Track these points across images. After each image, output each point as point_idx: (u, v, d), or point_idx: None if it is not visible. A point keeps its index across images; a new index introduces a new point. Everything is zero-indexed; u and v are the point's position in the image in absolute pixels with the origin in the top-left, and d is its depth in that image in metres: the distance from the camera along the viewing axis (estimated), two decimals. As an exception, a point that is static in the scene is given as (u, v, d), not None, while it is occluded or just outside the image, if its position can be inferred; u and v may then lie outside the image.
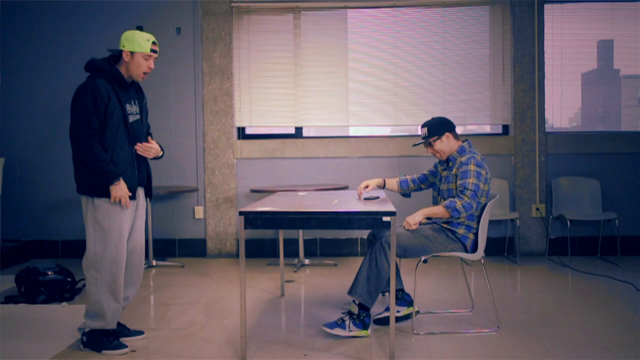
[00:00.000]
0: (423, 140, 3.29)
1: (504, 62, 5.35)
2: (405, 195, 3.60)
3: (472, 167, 3.11)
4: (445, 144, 3.24)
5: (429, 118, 3.41)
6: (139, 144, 2.90)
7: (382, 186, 3.48)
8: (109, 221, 2.81)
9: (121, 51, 2.85)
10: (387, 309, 3.20)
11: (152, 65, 2.89)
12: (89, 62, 2.86)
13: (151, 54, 2.85)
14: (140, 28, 5.36)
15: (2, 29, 5.45)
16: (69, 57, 5.41)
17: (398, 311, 3.22)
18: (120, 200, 2.79)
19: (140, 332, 3.11)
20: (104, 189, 2.79)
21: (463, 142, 3.28)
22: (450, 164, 3.27)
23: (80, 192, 2.88)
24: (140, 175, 2.95)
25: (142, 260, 3.05)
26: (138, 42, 2.82)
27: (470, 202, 3.05)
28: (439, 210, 3.13)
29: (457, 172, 3.16)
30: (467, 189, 3.07)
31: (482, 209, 3.16)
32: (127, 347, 2.89)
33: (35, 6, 5.42)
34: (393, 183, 3.49)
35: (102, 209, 2.81)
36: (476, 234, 3.19)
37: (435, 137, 3.24)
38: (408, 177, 3.54)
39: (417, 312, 3.29)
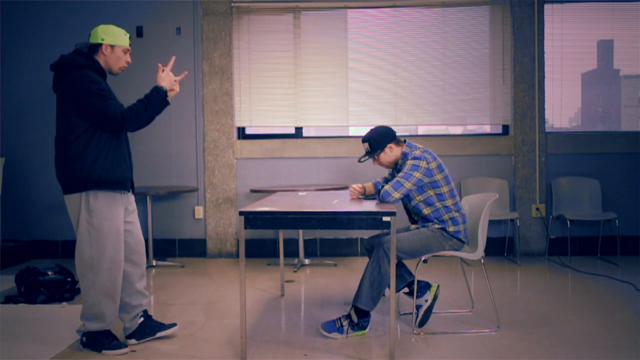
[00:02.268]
0: (367, 156, 3.31)
1: (504, 62, 5.35)
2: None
3: (408, 162, 3.14)
4: (389, 155, 3.27)
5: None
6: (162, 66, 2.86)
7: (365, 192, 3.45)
8: (106, 225, 2.74)
9: (94, 45, 2.79)
10: (419, 307, 3.22)
11: (130, 60, 2.89)
12: (65, 59, 2.76)
13: (129, 47, 2.87)
14: (140, 28, 5.36)
15: (2, 28, 5.45)
16: (69, 57, 5.41)
17: (426, 300, 3.22)
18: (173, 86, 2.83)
19: (174, 325, 3.11)
20: (101, 182, 2.71)
21: (404, 142, 3.29)
22: (399, 168, 3.30)
23: (71, 191, 2.73)
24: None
25: (144, 253, 3.03)
26: (118, 36, 2.80)
27: (388, 190, 3.06)
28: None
29: None
30: (395, 179, 3.10)
31: (452, 194, 3.18)
32: (127, 346, 2.89)
33: (35, 6, 5.43)
34: (370, 188, 3.47)
35: (98, 211, 2.73)
36: (464, 221, 3.20)
37: (379, 151, 3.26)
38: (380, 179, 3.54)
39: (438, 285, 3.30)
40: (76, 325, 3.16)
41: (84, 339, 2.88)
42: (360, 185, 3.42)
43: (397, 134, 3.35)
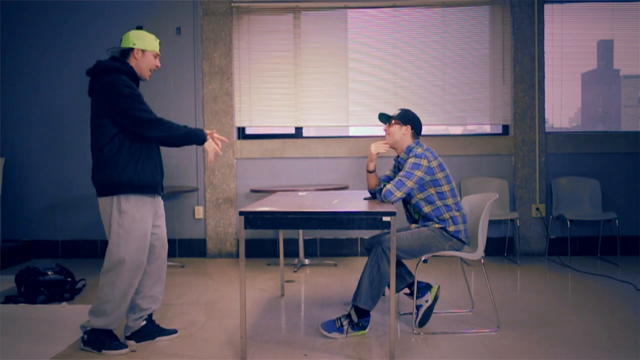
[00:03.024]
0: (390, 115, 3.33)
1: (504, 62, 5.35)
2: (373, 192, 3.52)
3: (410, 159, 3.14)
4: (399, 133, 3.27)
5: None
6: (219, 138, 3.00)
7: (373, 170, 3.38)
8: (135, 227, 2.80)
9: (125, 50, 2.87)
10: (419, 307, 3.24)
11: (159, 65, 2.98)
12: (101, 65, 2.82)
13: (159, 53, 2.95)
14: (140, 28, 5.35)
15: (2, 28, 5.45)
16: (69, 57, 5.41)
17: (427, 300, 3.23)
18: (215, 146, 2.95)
19: (174, 331, 3.13)
20: (132, 186, 2.77)
21: (414, 140, 3.30)
22: (401, 166, 3.30)
23: (105, 194, 2.80)
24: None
25: (166, 258, 3.08)
26: (149, 41, 2.89)
27: (390, 189, 3.06)
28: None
29: None
30: (396, 177, 3.11)
31: (453, 193, 3.18)
32: (127, 347, 2.89)
33: (35, 6, 5.43)
34: (376, 177, 3.43)
35: (129, 213, 2.78)
36: (464, 221, 3.20)
37: (400, 122, 3.28)
38: (382, 176, 3.53)
39: (439, 287, 3.31)
40: (76, 325, 3.16)
41: (86, 337, 2.88)
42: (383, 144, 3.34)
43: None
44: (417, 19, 5.38)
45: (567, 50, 5.35)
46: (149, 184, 2.85)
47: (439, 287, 3.29)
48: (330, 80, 5.43)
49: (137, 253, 2.82)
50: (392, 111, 3.40)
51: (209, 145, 2.93)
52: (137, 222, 2.80)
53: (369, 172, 3.36)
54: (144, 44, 2.87)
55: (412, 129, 3.29)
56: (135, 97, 2.73)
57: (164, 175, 3.01)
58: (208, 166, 5.39)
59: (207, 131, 2.98)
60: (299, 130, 5.56)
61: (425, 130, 5.57)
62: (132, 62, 2.88)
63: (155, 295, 3.02)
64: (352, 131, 5.61)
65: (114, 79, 2.75)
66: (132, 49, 2.86)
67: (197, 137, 2.88)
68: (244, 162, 5.44)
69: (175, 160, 5.40)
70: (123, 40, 2.89)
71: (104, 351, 2.84)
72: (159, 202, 3.00)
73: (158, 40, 2.95)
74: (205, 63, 5.36)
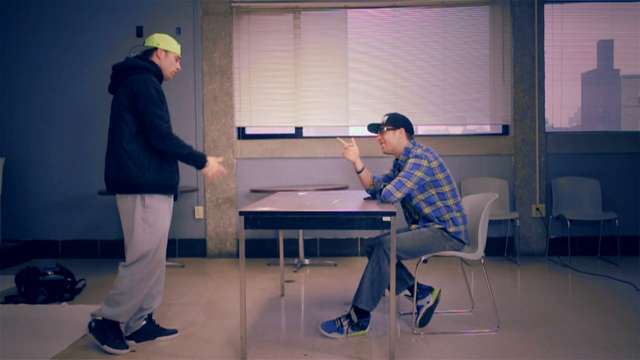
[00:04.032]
0: (380, 124, 3.34)
1: (504, 62, 5.35)
2: (372, 192, 3.53)
3: (410, 160, 3.14)
4: (395, 138, 3.28)
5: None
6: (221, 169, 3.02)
7: (361, 170, 3.41)
8: (160, 222, 2.84)
9: (149, 50, 2.94)
10: (420, 307, 3.25)
11: (180, 67, 3.07)
12: (130, 61, 2.87)
13: (180, 56, 3.04)
14: (140, 28, 5.36)
15: (2, 28, 5.45)
16: (69, 57, 5.41)
17: (428, 302, 3.25)
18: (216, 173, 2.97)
19: (174, 331, 3.13)
20: (155, 185, 2.81)
21: (411, 139, 3.32)
22: (401, 168, 3.31)
23: (128, 191, 2.81)
24: None
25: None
26: (171, 43, 2.98)
27: (390, 190, 3.06)
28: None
29: None
30: (396, 178, 3.11)
31: (454, 194, 3.18)
32: (127, 348, 2.89)
33: (35, 6, 5.43)
34: (368, 176, 3.46)
35: (154, 208, 2.82)
36: (465, 222, 3.20)
37: (391, 127, 3.28)
38: (380, 175, 3.53)
39: (440, 290, 3.32)
40: (77, 325, 3.17)
41: (93, 324, 2.88)
42: (353, 148, 3.36)
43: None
44: (417, 19, 5.38)
45: (567, 50, 5.35)
46: (171, 184, 2.90)
47: (440, 290, 3.31)
48: (330, 80, 5.43)
49: (159, 249, 2.86)
50: (393, 112, 3.40)
51: (209, 170, 2.94)
52: (160, 219, 2.85)
53: (358, 172, 3.41)
54: (167, 45, 2.96)
55: (405, 130, 3.30)
56: (159, 103, 2.78)
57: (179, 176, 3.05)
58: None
59: (214, 158, 2.98)
60: (299, 130, 5.56)
61: (425, 130, 5.64)
62: (156, 61, 2.95)
63: (155, 295, 3.02)
64: (352, 131, 5.61)
65: (145, 77, 2.80)
66: (155, 49, 2.95)
67: (197, 161, 2.89)
68: (244, 162, 5.44)
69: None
70: (147, 40, 2.96)
71: (105, 345, 2.84)
72: (172, 202, 3.03)
73: (180, 45, 3.05)
74: (205, 63, 5.36)
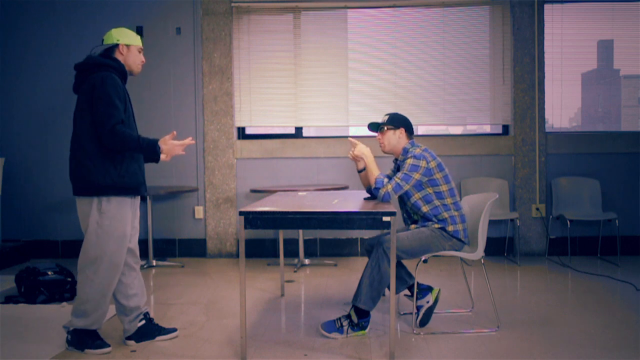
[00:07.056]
0: (380, 123, 3.34)
1: (504, 62, 5.35)
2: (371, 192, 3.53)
3: (408, 160, 3.15)
4: (395, 138, 3.29)
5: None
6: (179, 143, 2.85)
7: (362, 169, 3.36)
8: (114, 226, 2.78)
9: (110, 47, 2.86)
10: (420, 307, 3.25)
11: (144, 59, 2.99)
12: (91, 59, 2.80)
13: (142, 47, 2.96)
14: (140, 28, 5.36)
15: (2, 28, 5.45)
16: (69, 57, 5.39)
17: (428, 301, 3.25)
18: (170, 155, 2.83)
19: (174, 330, 3.12)
20: (115, 188, 2.75)
21: (410, 139, 3.32)
22: (399, 167, 3.31)
23: (85, 194, 2.76)
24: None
25: (138, 255, 3.04)
26: (131, 36, 2.91)
27: (389, 192, 3.08)
28: (371, 175, 3.20)
29: None
30: (394, 179, 3.12)
31: (452, 193, 3.19)
32: (109, 346, 2.88)
33: (35, 6, 5.42)
34: (365, 174, 3.42)
35: (110, 213, 2.76)
36: (463, 221, 3.20)
37: (391, 127, 3.29)
38: (381, 175, 3.52)
39: (439, 290, 3.33)
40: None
41: (69, 337, 2.88)
42: (361, 147, 3.33)
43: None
44: (417, 19, 5.37)
45: (567, 50, 5.35)
46: (133, 186, 2.83)
47: (439, 290, 3.31)
48: (330, 80, 5.43)
49: (115, 253, 2.80)
50: (393, 111, 3.41)
51: (164, 152, 2.80)
52: (116, 222, 2.78)
53: (359, 171, 3.40)
54: (127, 39, 2.88)
55: (405, 131, 3.30)
56: (112, 102, 2.68)
57: (145, 175, 2.97)
58: (208, 166, 5.39)
59: (167, 136, 2.82)
60: (299, 130, 5.56)
61: (425, 130, 5.64)
62: (119, 58, 2.87)
63: (138, 292, 2.98)
64: (352, 131, 5.60)
65: (104, 75, 2.73)
66: (117, 45, 2.86)
67: (150, 149, 2.75)
68: (244, 162, 5.44)
69: (175, 160, 5.37)
70: (105, 38, 2.89)
71: (86, 350, 2.84)
72: (138, 201, 2.97)
73: (139, 36, 2.97)
74: (205, 63, 5.36)
